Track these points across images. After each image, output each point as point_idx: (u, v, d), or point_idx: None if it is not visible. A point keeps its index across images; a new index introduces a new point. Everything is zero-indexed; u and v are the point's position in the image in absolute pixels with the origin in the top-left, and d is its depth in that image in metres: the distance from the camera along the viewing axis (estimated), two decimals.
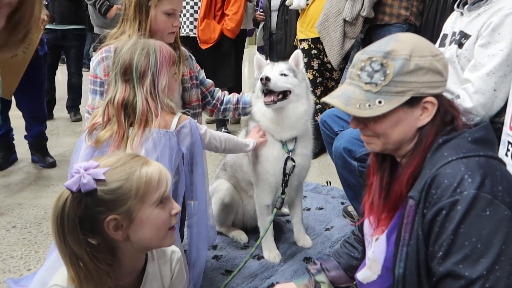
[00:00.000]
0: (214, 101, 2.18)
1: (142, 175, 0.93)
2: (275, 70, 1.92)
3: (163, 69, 1.42)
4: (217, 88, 2.24)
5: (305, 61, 3.40)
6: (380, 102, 1.01)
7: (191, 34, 3.80)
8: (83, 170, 0.88)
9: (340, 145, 2.02)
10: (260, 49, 4.59)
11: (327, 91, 3.67)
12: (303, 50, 3.41)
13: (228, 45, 3.96)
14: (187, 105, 1.94)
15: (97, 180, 0.88)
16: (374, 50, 1.09)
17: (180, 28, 3.82)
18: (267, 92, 1.85)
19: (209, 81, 2.18)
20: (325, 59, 3.43)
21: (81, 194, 0.89)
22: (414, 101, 1.01)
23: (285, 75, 1.91)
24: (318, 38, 3.33)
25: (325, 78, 3.59)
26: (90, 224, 0.91)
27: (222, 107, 2.22)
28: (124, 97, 1.41)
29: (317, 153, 3.51)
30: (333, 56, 3.25)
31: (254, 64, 2.10)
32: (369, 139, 1.10)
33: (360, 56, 1.08)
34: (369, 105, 1.01)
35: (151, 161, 0.99)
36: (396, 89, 1.01)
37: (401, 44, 1.03)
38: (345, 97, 1.05)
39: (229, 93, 2.25)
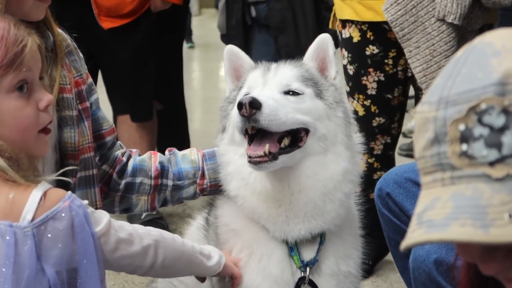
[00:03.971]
0: (106, 168, 2.25)
1: None
2: (272, 85, 2.00)
3: None
4: (119, 142, 2.31)
5: (351, 73, 3.44)
6: None
7: None
8: None
9: (427, 256, 2.08)
10: (228, 39, 4.69)
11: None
12: (346, 42, 3.48)
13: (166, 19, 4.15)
14: (70, 160, 1.99)
15: None
16: (468, 89, 1.13)
17: None
18: (253, 133, 1.92)
19: (106, 119, 2.26)
20: (399, 72, 3.41)
21: None
22: None
23: (294, 93, 1.99)
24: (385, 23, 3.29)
25: (395, 118, 3.54)
26: None
27: (121, 184, 2.30)
28: None
29: (369, 268, 3.53)
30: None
31: (225, 63, 2.19)
32: None
33: (440, 113, 1.15)
34: None
35: None
36: None
37: (509, 53, 1.12)
38: (471, 212, 1.09)
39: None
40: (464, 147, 1.10)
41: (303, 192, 1.97)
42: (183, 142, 4.59)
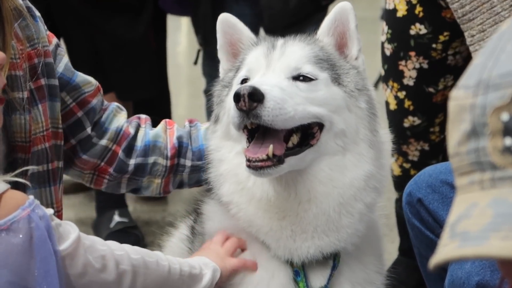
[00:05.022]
0: (108, 144, 2.27)
1: None
2: (278, 68, 2.01)
3: None
4: (116, 104, 2.34)
5: (388, 54, 3.40)
6: None
7: None
8: None
9: (468, 278, 2.13)
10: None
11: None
12: (389, 15, 3.43)
13: None
14: (19, 153, 2.00)
15: None
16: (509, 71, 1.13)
17: None
18: (253, 130, 1.93)
19: (87, 81, 2.27)
20: (450, 56, 3.33)
21: None
22: None
23: (306, 79, 2.00)
24: None
25: (435, 120, 3.49)
26: None
27: (130, 164, 2.30)
28: None
29: None
30: None
31: (219, 37, 2.21)
32: None
33: (479, 100, 1.14)
34: None
35: None
36: None
37: None
38: None
39: (152, 119, 2.34)
40: (508, 141, 1.09)
41: (313, 202, 1.99)
42: None
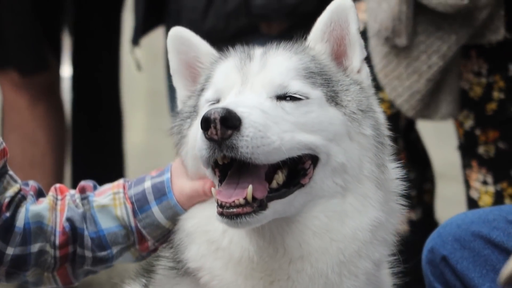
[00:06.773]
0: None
1: None
2: (257, 84, 1.96)
3: None
4: (10, 173, 2.18)
5: None
6: None
7: None
8: None
9: None
10: None
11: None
12: None
13: None
14: None
15: None
16: None
17: None
18: (225, 163, 1.85)
19: None
20: None
21: None
22: None
23: (294, 98, 1.94)
24: None
25: None
26: None
27: (5, 252, 2.15)
28: None
29: None
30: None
31: (171, 57, 2.19)
32: None
33: None
34: None
35: None
36: None
37: None
38: None
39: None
40: None
41: (307, 260, 1.94)
42: (114, 164, 4.60)
